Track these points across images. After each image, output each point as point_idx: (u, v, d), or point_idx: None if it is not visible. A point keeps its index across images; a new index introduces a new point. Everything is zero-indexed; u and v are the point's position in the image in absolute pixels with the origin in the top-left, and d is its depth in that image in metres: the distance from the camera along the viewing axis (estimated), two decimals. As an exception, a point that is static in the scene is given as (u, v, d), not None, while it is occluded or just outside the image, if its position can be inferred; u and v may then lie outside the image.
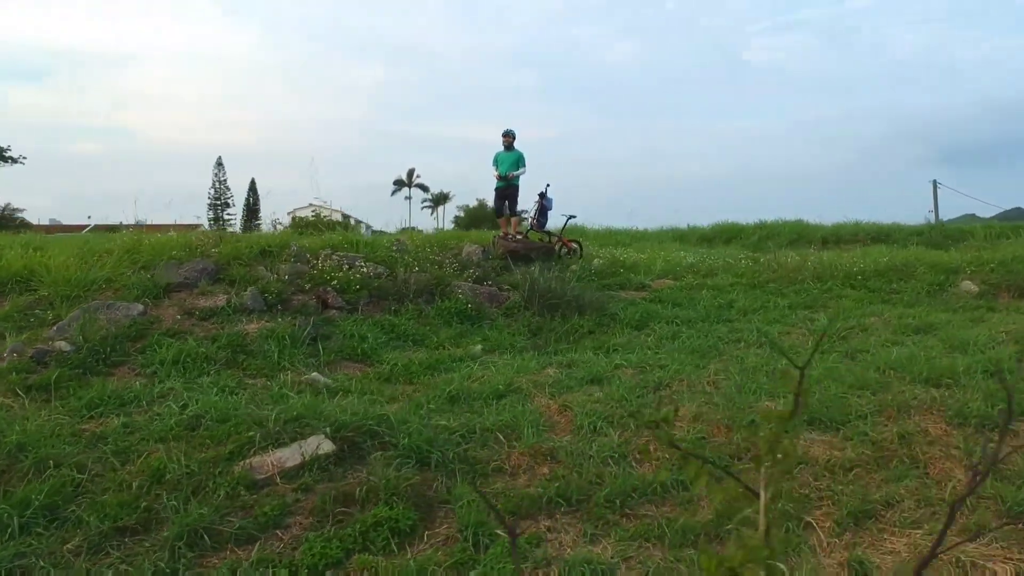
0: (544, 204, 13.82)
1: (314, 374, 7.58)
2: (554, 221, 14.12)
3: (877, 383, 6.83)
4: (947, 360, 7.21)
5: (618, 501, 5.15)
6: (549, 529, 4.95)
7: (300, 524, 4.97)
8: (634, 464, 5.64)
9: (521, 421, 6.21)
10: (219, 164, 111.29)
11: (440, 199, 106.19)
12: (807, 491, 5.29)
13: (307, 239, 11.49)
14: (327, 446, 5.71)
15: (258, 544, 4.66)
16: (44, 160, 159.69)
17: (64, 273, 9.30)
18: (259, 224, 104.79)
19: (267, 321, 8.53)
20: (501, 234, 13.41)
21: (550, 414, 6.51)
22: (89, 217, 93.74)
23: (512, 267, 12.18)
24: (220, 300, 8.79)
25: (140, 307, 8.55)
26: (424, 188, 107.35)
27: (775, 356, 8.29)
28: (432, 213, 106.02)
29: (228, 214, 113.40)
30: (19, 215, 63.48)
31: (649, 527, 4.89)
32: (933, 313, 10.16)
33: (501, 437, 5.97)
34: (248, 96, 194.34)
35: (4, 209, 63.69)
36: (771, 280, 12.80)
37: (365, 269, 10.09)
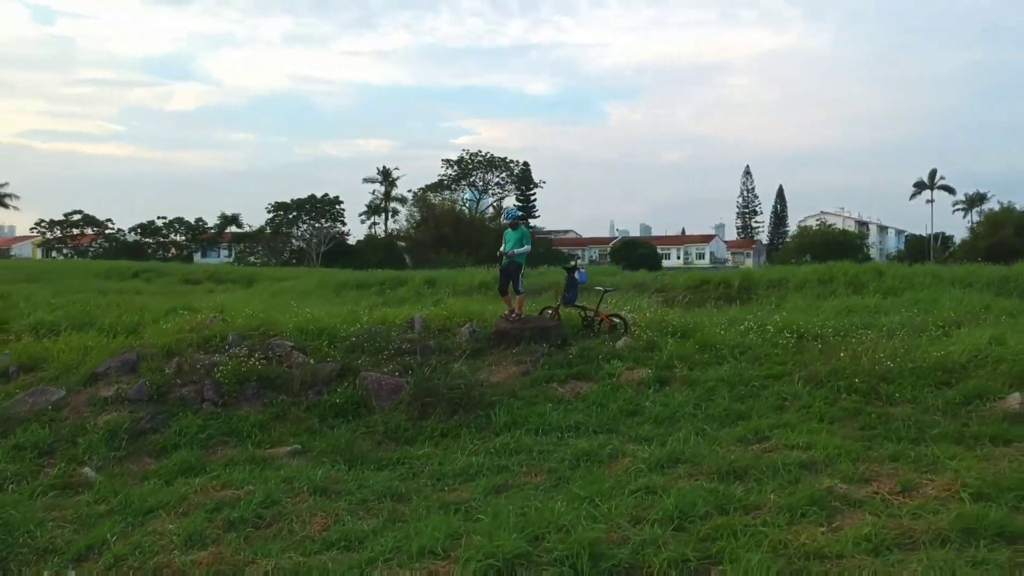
0: (575, 278, 13.48)
1: (86, 469, 9.15)
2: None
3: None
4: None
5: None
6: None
7: None
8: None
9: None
10: (747, 173, 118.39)
11: (976, 200, 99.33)
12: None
13: (265, 324, 12.96)
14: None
15: None
16: (635, 171, 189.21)
17: (62, 358, 12.23)
18: (786, 231, 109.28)
19: (124, 413, 10.30)
20: (507, 312, 13.42)
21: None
22: (617, 230, 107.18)
23: (493, 350, 12.36)
24: (111, 391, 10.82)
25: (62, 393, 10.99)
26: (949, 190, 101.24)
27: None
28: (965, 216, 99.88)
29: (755, 222, 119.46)
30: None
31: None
32: (816, 436, 8.05)
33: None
34: (816, 95, 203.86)
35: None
36: (772, 375, 10.92)
37: (254, 361, 11.25)
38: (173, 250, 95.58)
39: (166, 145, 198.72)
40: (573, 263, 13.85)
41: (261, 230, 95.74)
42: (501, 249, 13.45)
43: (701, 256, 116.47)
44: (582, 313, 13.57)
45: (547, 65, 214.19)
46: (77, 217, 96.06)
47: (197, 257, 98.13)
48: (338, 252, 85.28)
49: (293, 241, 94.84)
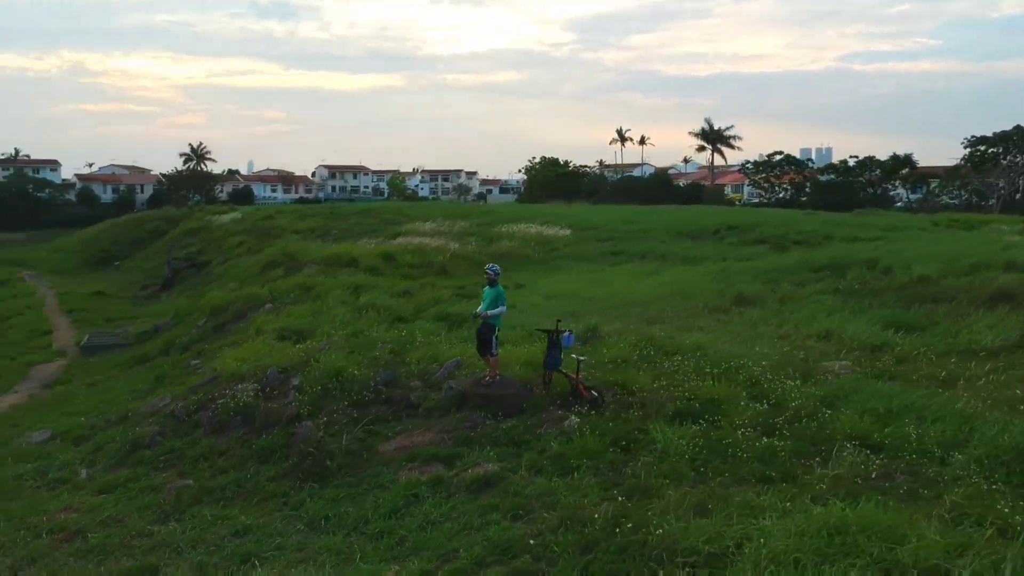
0: (557, 341, 12.80)
1: (83, 471, 13.51)
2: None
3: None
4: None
5: None
6: None
7: None
8: None
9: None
10: None
11: None
12: None
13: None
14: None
15: None
16: None
17: (223, 365, 16.79)
18: None
19: (153, 427, 14.36)
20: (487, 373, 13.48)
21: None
22: None
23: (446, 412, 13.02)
24: (176, 406, 14.93)
25: (167, 401, 15.58)
26: None
27: None
28: None
29: None
30: None
31: None
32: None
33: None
34: None
35: None
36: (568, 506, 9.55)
37: (244, 396, 13.99)
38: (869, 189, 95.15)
39: (987, 56, 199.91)
40: (556, 327, 13.02)
41: (956, 169, 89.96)
42: (476, 310, 13.53)
43: None
44: (563, 379, 12.93)
45: None
46: (779, 158, 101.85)
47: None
48: None
49: (998, 181, 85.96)
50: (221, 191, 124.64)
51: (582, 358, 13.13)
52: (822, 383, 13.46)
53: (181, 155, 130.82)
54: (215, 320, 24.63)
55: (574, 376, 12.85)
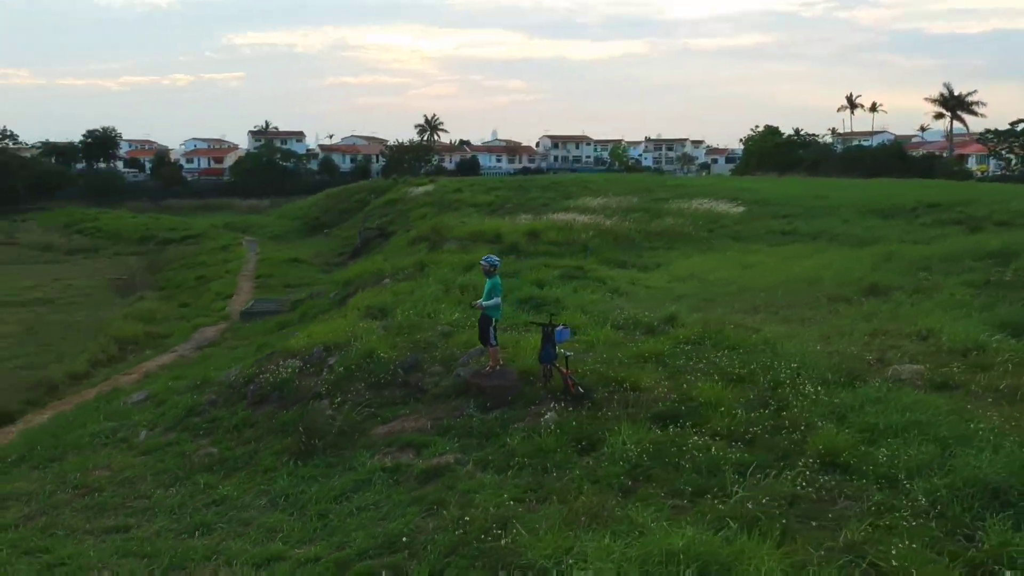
0: (551, 335, 12.65)
1: (142, 432, 15.05)
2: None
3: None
4: None
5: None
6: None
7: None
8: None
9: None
10: None
11: None
12: None
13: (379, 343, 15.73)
14: None
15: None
16: None
17: (292, 342, 17.94)
18: None
19: (209, 395, 15.67)
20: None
21: None
22: None
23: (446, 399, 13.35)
24: (238, 376, 16.20)
25: (236, 371, 16.92)
26: None
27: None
28: None
29: None
30: None
31: None
32: None
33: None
34: None
35: None
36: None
37: (281, 371, 14.92)
38: None
39: None
40: (550, 321, 12.79)
41: None
42: (473, 301, 13.66)
43: None
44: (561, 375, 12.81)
45: None
46: (1022, 126, 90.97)
47: None
48: None
49: None
50: (450, 161, 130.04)
51: (569, 353, 12.99)
52: (855, 390, 12.52)
53: (416, 126, 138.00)
54: (343, 292, 26.12)
55: (564, 371, 12.74)
